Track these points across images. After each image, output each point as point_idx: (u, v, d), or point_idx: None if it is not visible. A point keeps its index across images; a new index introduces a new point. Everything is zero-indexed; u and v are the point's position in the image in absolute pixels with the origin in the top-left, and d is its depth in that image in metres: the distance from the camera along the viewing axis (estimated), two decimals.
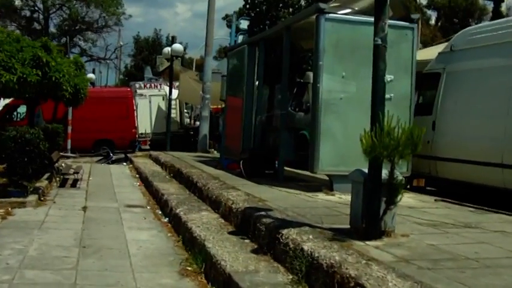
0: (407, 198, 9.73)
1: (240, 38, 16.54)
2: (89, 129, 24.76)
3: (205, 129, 23.79)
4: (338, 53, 10.43)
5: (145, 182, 16.00)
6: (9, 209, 10.83)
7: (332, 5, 11.11)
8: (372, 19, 10.68)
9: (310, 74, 16.40)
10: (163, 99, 30.78)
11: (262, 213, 7.94)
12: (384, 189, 6.35)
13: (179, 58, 32.00)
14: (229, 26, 19.14)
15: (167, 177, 15.83)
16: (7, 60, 10.43)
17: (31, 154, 12.88)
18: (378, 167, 6.29)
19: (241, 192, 10.15)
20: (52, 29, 42.32)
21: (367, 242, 6.18)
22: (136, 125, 27.66)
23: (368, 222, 6.34)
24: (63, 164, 17.51)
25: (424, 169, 11.53)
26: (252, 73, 14.07)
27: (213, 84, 23.73)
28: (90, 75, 31.65)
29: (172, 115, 30.24)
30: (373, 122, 6.35)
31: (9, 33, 11.64)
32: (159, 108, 30.83)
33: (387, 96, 10.52)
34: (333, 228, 6.91)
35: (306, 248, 6.04)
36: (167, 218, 10.85)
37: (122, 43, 47.25)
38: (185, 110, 34.65)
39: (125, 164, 22.92)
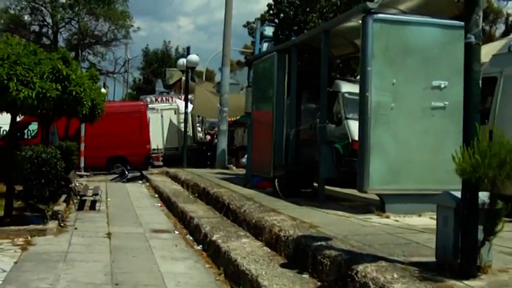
0: None
1: (265, 45, 15.57)
2: (102, 146, 23.86)
3: (223, 144, 22.80)
4: (387, 58, 9.47)
5: (167, 203, 14.97)
6: (29, 237, 9.85)
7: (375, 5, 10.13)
8: (423, 19, 9.83)
9: (340, 83, 15.44)
10: (175, 113, 29.88)
11: (322, 243, 6.90)
12: (480, 216, 5.32)
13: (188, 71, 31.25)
14: (251, 33, 18.17)
15: (191, 197, 14.80)
16: (25, 74, 9.39)
17: (48, 175, 12.04)
18: (475, 189, 5.24)
19: (285, 216, 9.11)
20: (61, 44, 41.60)
21: (466, 282, 5.12)
22: (150, 140, 26.62)
23: (465, 257, 5.29)
24: (79, 185, 16.50)
25: None
26: (282, 82, 13.10)
27: (230, 96, 22.81)
28: (102, 90, 30.74)
29: None
30: (468, 134, 5.29)
31: (26, 45, 10.65)
32: (171, 122, 29.86)
33: (441, 104, 9.76)
34: (414, 262, 5.86)
35: None
36: (201, 246, 9.81)
37: (129, 56, 46.38)
38: (197, 124, 33.70)
39: (140, 182, 21.92)
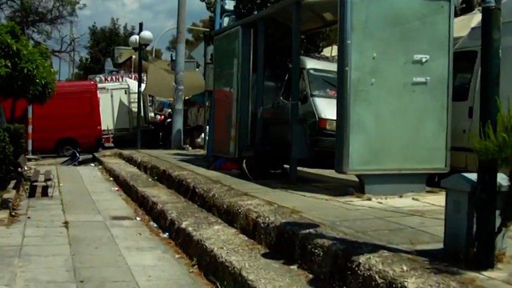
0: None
1: (226, 20, 14.76)
2: (50, 128, 22.73)
3: (179, 123, 21.98)
4: (367, 30, 8.83)
5: (125, 187, 14.13)
6: None
7: None
8: None
9: (304, 59, 14.77)
10: (125, 93, 28.96)
11: (310, 230, 6.28)
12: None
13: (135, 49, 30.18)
14: (209, 8, 17.39)
15: (150, 180, 13.98)
16: None
17: None
18: (494, 171, 4.69)
19: (260, 200, 8.45)
20: (3, 21, 39.32)
21: (487, 274, 4.58)
22: (101, 121, 25.55)
23: (482, 245, 4.74)
24: (29, 169, 15.47)
25: (458, 163, 10.00)
26: (247, 59, 12.39)
27: (185, 74, 21.95)
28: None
29: (135, 109, 28.36)
30: (486, 109, 4.72)
31: None
32: (121, 102, 28.87)
33: (422, 79, 9.22)
34: (420, 251, 5.29)
35: (411, 286, 4.42)
36: (167, 233, 9.10)
37: (74, 35, 44.45)
38: (148, 104, 32.70)
39: (92, 164, 20.96)
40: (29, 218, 10.21)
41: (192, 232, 7.97)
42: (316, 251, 5.81)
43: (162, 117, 34.08)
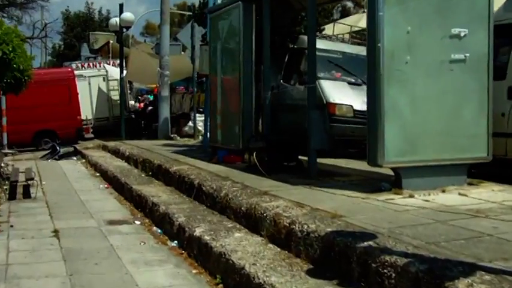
0: None
1: None
2: (27, 119, 21.29)
3: (165, 111, 20.65)
4: (400, 1, 7.67)
5: (115, 184, 12.83)
6: None
7: None
8: None
9: (305, 38, 13.67)
10: (103, 80, 27.55)
11: (370, 243, 5.10)
12: None
13: (114, 34, 28.81)
14: None
15: (143, 176, 12.70)
16: None
17: None
18: None
19: (285, 200, 7.28)
20: None
21: None
22: (80, 111, 24.09)
23: None
24: (5, 165, 14.07)
25: (497, 150, 8.91)
26: (249, 39, 11.13)
27: (171, 58, 20.59)
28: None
29: (115, 97, 27.02)
30: None
31: None
32: (99, 90, 27.42)
33: (461, 56, 8.01)
34: None
35: None
36: (176, 242, 7.88)
37: (46, 20, 42.48)
38: (128, 91, 31.22)
39: (75, 158, 19.55)
40: (11, 226, 8.88)
41: (211, 242, 6.76)
42: (386, 271, 4.66)
43: (142, 104, 32.65)
